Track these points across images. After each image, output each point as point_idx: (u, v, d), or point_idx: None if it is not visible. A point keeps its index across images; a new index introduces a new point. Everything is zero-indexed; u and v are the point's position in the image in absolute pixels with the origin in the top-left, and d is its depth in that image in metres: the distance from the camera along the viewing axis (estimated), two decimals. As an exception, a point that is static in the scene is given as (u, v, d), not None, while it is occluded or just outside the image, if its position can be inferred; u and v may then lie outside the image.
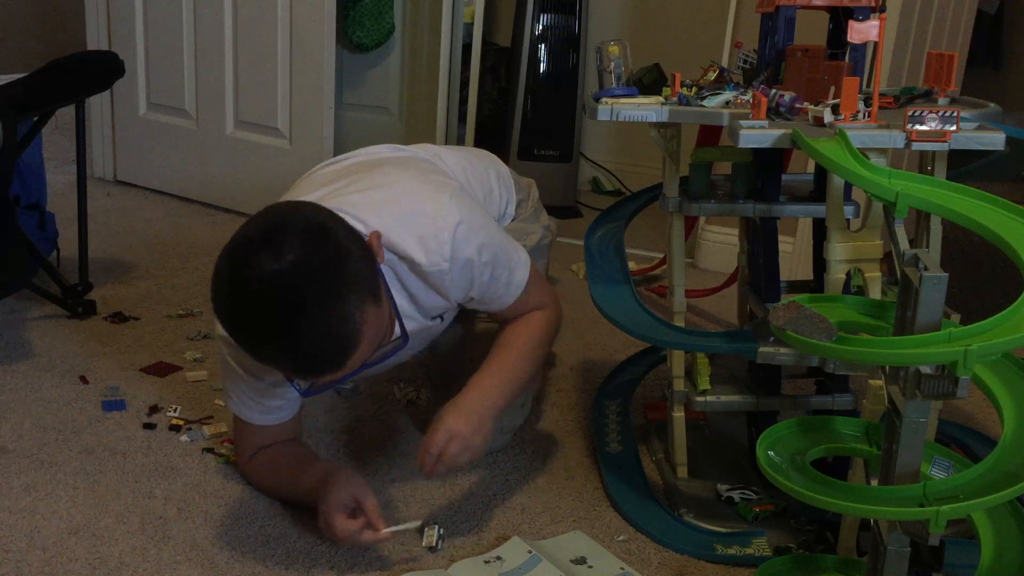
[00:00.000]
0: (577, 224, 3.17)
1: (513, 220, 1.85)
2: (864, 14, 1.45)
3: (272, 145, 2.96)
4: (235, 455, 1.61)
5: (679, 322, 1.62)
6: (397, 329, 1.39)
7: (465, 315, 1.72)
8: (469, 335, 1.77)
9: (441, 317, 1.59)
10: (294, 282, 1.21)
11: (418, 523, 1.42)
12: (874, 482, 1.22)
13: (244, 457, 1.57)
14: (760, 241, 1.62)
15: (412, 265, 1.44)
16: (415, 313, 1.52)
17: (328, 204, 1.37)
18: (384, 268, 1.39)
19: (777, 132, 1.32)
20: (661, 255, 2.72)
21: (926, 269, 1.07)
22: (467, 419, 1.44)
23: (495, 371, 1.54)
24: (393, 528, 1.39)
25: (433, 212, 1.45)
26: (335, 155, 1.74)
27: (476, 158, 1.83)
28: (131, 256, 2.64)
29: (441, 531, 1.44)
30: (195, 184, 3.16)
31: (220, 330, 1.43)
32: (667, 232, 1.65)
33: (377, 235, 1.37)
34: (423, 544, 1.42)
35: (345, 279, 1.25)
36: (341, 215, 1.34)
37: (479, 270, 1.49)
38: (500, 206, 1.81)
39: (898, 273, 1.14)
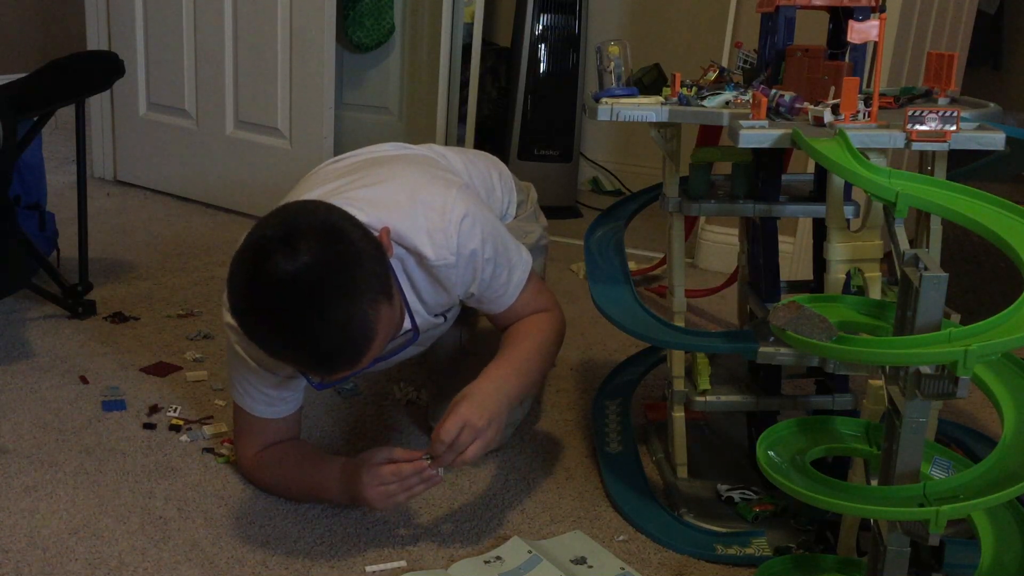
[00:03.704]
0: (577, 224, 3.17)
1: (514, 219, 1.85)
2: (864, 14, 1.45)
3: (272, 145, 2.96)
4: (236, 452, 1.61)
5: (679, 322, 1.62)
6: (407, 323, 1.40)
7: (464, 320, 1.72)
8: (467, 341, 1.77)
9: (444, 316, 1.59)
10: (309, 283, 1.22)
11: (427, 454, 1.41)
12: (874, 482, 1.22)
13: (247, 454, 1.57)
14: (760, 241, 1.62)
15: (420, 259, 1.45)
16: (420, 309, 1.53)
17: (336, 199, 1.38)
18: (393, 263, 1.40)
19: (777, 132, 1.32)
20: (661, 255, 2.72)
21: (926, 269, 1.07)
22: (480, 410, 1.40)
23: (509, 362, 1.51)
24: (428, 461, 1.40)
25: (440, 206, 1.46)
26: (335, 155, 1.74)
27: (478, 159, 1.84)
28: (131, 256, 2.64)
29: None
30: (195, 184, 3.16)
31: (229, 318, 1.43)
32: (667, 232, 1.65)
33: (387, 231, 1.39)
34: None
35: (359, 279, 1.26)
36: (350, 210, 1.35)
37: (482, 265, 1.49)
38: (502, 206, 1.82)
39: (898, 273, 1.14)
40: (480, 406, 1.40)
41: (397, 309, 1.34)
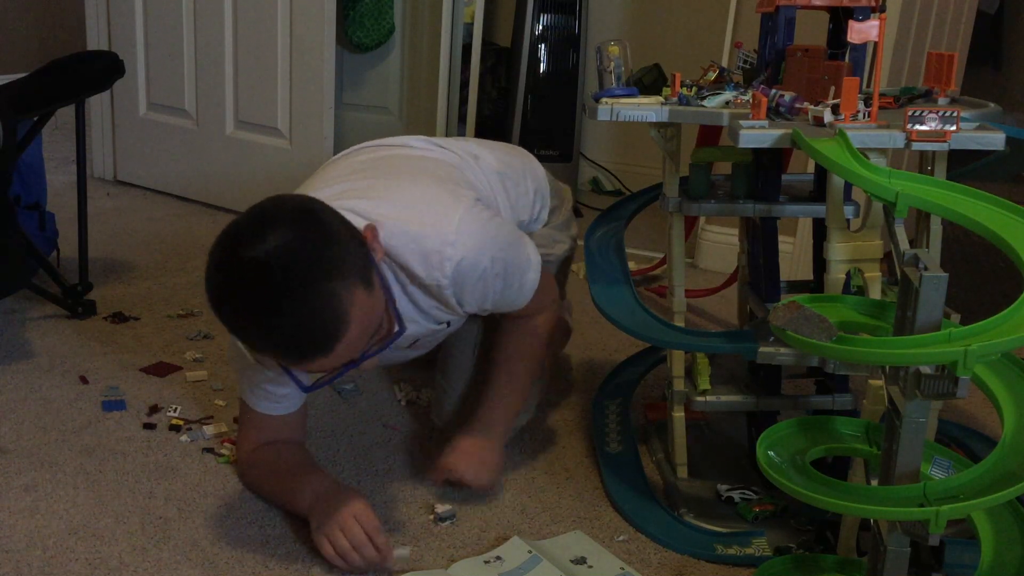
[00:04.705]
0: (577, 224, 3.17)
1: (545, 226, 1.83)
2: (864, 14, 1.45)
3: (272, 145, 2.96)
4: (236, 449, 1.61)
5: (679, 322, 1.62)
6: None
7: (479, 318, 1.71)
8: (481, 339, 1.76)
9: (448, 323, 1.59)
10: (277, 263, 1.20)
11: (407, 550, 1.39)
12: (874, 482, 1.22)
13: (245, 449, 1.57)
14: (760, 241, 1.62)
15: (412, 278, 1.44)
16: (419, 318, 1.52)
17: (334, 205, 1.36)
18: (385, 269, 1.39)
19: (777, 132, 1.32)
20: (661, 255, 2.72)
21: (926, 269, 1.07)
22: (486, 470, 1.55)
23: (505, 401, 1.61)
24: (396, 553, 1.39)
25: (438, 233, 1.43)
26: (335, 155, 1.73)
27: (515, 159, 1.80)
28: (131, 256, 2.64)
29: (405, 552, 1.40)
30: (195, 184, 3.16)
31: None
32: (667, 232, 1.65)
33: (372, 228, 1.36)
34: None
35: (331, 260, 1.24)
36: (347, 215, 1.34)
37: (491, 282, 1.48)
38: (534, 210, 1.79)
39: (898, 273, 1.14)
40: (488, 465, 1.56)
41: (377, 300, 1.30)
